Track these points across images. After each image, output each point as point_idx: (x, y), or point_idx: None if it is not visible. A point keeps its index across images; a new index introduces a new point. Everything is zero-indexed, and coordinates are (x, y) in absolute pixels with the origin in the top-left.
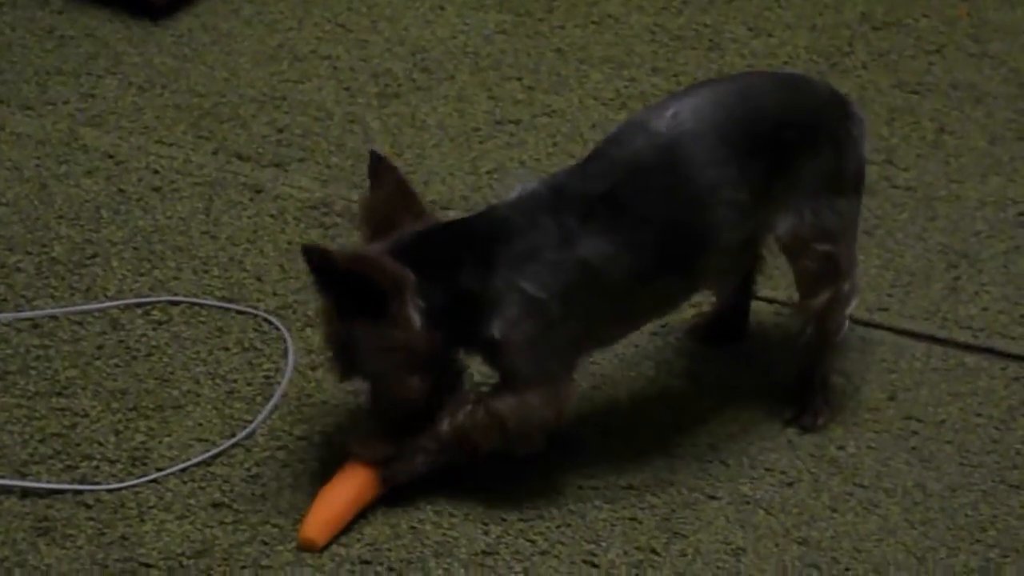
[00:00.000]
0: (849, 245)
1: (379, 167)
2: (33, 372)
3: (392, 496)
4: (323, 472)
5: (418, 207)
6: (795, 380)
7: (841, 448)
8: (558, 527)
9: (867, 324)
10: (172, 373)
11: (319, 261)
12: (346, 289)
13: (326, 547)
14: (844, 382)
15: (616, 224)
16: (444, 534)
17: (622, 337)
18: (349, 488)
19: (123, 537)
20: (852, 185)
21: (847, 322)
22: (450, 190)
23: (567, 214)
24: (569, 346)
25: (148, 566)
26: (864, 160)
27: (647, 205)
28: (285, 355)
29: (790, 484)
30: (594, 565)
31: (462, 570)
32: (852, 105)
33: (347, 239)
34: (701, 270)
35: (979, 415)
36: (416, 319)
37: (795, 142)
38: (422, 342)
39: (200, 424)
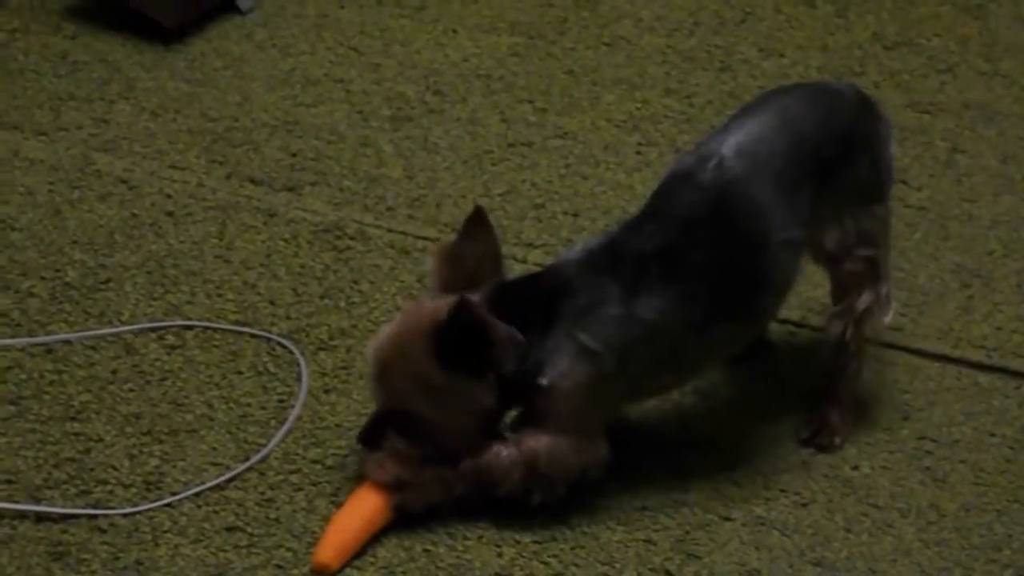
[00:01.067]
0: (887, 248)
1: (478, 221)
2: (47, 397)
3: (405, 519)
4: (337, 495)
5: (499, 269)
6: (821, 396)
7: (855, 468)
8: (572, 549)
9: (881, 344)
10: (186, 397)
11: (462, 310)
12: (462, 340)
13: (340, 571)
14: (856, 402)
15: (672, 279)
16: (458, 556)
17: (679, 385)
18: (363, 512)
19: (138, 562)
20: (886, 188)
21: (885, 329)
22: (463, 212)
23: (624, 271)
24: (615, 399)
25: None
26: (893, 159)
27: (701, 258)
28: (299, 379)
29: (804, 505)
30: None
31: None
32: (878, 106)
33: (360, 262)
34: (761, 311)
35: (993, 434)
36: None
37: (834, 157)
38: (495, 401)
39: (214, 448)
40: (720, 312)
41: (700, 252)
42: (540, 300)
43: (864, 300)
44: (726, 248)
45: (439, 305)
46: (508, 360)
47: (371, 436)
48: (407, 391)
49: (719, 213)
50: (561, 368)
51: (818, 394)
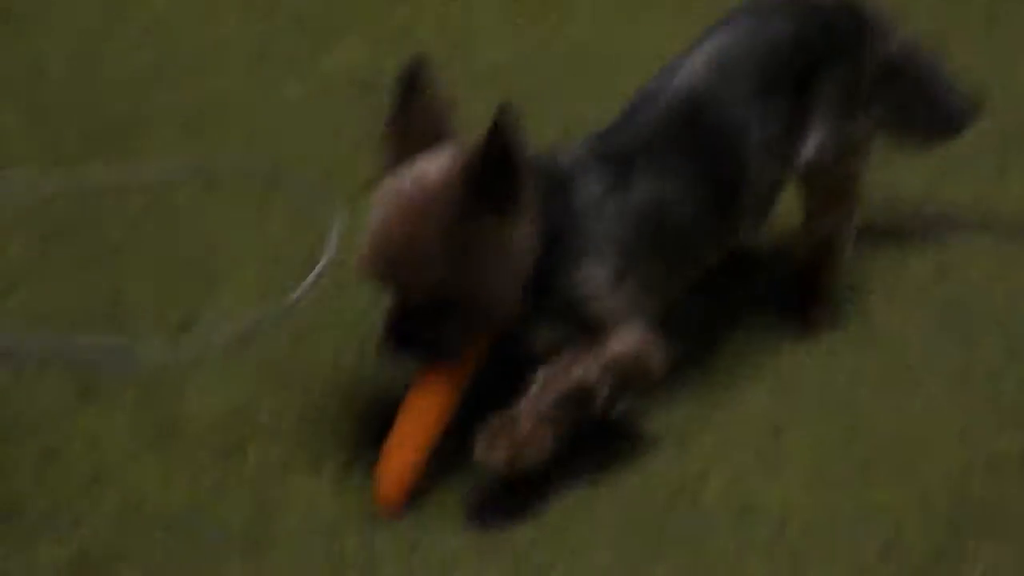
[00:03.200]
0: (866, 160)
1: (411, 82)
2: (80, 237)
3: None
4: (366, 341)
5: (449, 129)
6: (798, 294)
7: (886, 326)
8: None
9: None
10: (218, 241)
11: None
12: (486, 175)
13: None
14: (891, 257)
15: (658, 176)
16: None
17: (676, 293)
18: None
19: (166, 401)
20: (867, 97)
21: (854, 233)
22: (497, 63)
23: (612, 168)
24: (642, 292)
25: (190, 430)
26: (889, 52)
27: (681, 159)
28: (330, 224)
29: (833, 361)
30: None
31: None
32: (863, 8)
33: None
34: (744, 211)
35: None
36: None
37: (811, 64)
38: (532, 251)
39: (244, 292)
40: (708, 211)
41: (679, 153)
42: (546, 180)
43: (832, 218)
44: (703, 150)
45: (433, 165)
46: (531, 191)
47: (399, 338)
48: (436, 266)
49: (692, 118)
50: (589, 269)
51: (804, 290)
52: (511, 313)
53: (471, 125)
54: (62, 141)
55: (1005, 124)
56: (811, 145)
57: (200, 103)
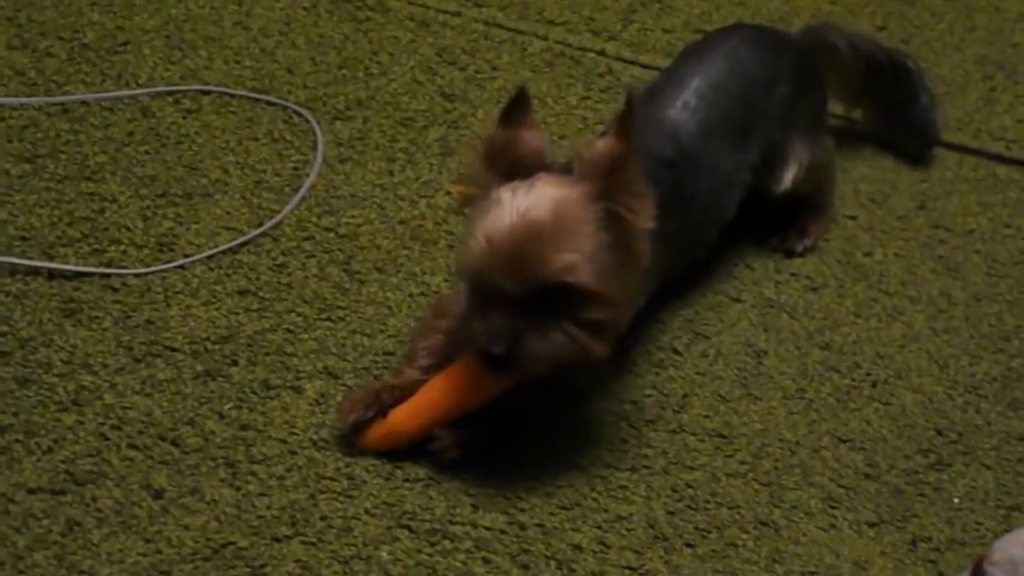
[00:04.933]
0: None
1: (521, 105)
2: (63, 156)
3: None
4: (349, 263)
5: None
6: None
7: (868, 255)
8: None
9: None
10: (201, 162)
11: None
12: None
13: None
14: (874, 189)
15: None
16: None
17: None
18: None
19: (148, 321)
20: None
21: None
22: None
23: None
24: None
25: (173, 350)
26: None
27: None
28: (314, 147)
29: (815, 289)
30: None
31: None
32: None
33: (380, 33)
34: (707, 242)
35: (1008, 226)
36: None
37: (783, 96)
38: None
39: (228, 212)
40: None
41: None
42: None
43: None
44: (681, 192)
45: (553, 179)
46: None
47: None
48: (569, 261)
49: (680, 158)
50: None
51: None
52: (625, 321)
53: None
54: (45, 63)
55: (992, 52)
56: (786, 176)
57: (183, 24)
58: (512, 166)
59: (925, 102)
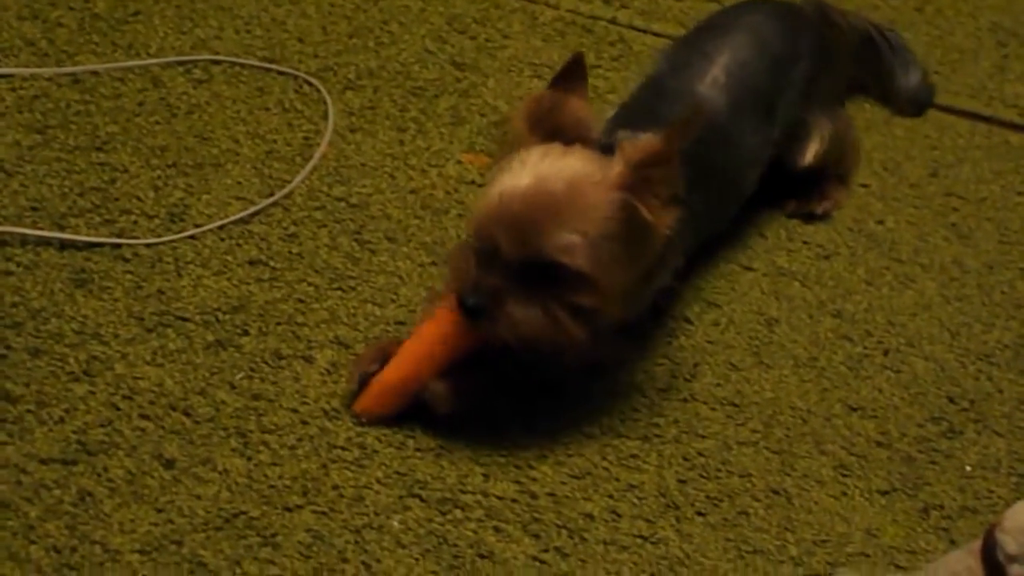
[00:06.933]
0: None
1: (577, 70)
2: (73, 127)
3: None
4: (360, 232)
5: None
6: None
7: (880, 223)
8: None
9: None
10: (212, 132)
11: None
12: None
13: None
14: (886, 157)
15: None
16: None
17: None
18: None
19: (160, 291)
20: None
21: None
22: None
23: None
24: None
25: (184, 320)
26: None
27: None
28: (325, 117)
29: (827, 257)
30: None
31: None
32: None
33: (391, 2)
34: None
35: (1020, 193)
36: None
37: (803, 72)
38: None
39: (239, 183)
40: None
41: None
42: None
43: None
44: (708, 167)
45: (580, 155)
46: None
47: (488, 298)
48: (569, 241)
49: (709, 134)
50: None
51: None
52: (616, 313)
53: None
54: (56, 33)
55: (1005, 19)
56: (809, 151)
57: None
58: (553, 131)
59: (915, 71)
